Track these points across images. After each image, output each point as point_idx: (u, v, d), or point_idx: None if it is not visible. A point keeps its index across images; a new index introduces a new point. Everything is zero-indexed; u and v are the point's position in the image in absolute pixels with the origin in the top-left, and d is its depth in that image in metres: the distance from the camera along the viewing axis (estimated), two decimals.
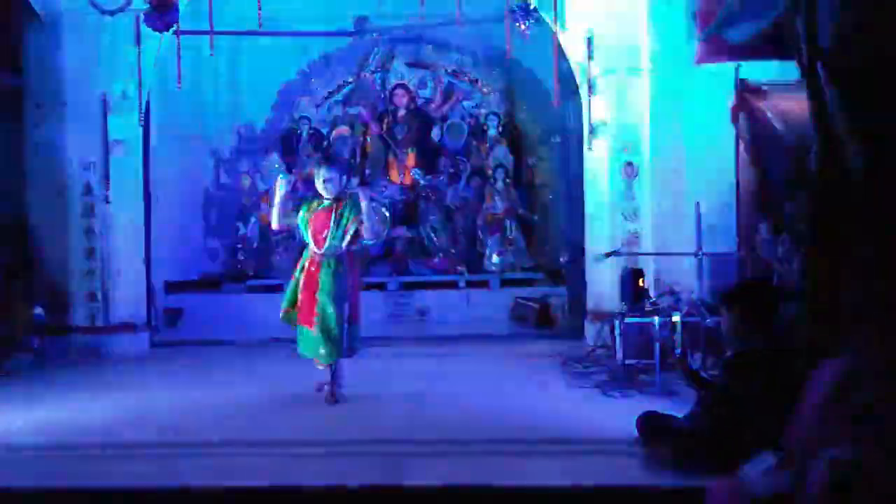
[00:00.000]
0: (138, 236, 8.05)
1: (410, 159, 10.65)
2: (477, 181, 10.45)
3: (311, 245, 5.49)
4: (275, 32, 9.29)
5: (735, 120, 6.94)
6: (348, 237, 5.45)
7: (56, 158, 7.73)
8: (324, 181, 5.46)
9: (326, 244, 5.41)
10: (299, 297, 5.48)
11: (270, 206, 5.69)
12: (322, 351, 5.39)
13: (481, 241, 10.21)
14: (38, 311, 7.32)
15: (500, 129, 10.66)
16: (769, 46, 6.22)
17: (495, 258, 9.93)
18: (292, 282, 5.58)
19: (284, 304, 5.58)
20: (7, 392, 6.04)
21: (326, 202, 5.48)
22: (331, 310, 5.34)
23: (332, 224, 5.40)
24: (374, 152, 10.75)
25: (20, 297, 7.24)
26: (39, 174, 7.77)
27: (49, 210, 7.73)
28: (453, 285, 9.63)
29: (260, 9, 7.17)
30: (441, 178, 10.52)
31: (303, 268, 5.51)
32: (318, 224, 5.44)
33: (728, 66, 6.92)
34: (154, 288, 8.55)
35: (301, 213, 5.52)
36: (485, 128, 10.69)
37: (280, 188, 5.53)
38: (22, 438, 4.65)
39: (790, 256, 5.42)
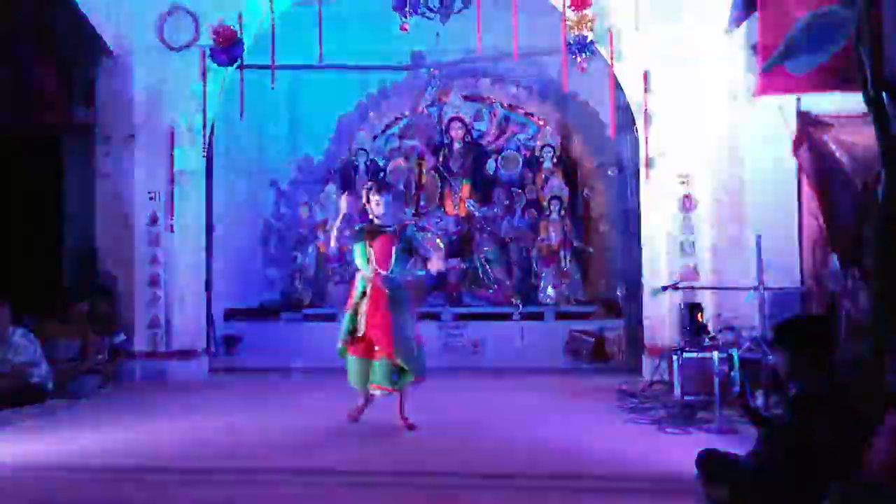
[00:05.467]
0: (200, 265, 8.26)
1: (465, 191, 10.71)
2: (532, 213, 10.44)
3: (372, 271, 5.47)
4: (334, 66, 9.50)
5: (796, 152, 6.82)
6: (409, 265, 5.49)
7: (123, 189, 8.00)
8: (379, 205, 5.50)
9: (389, 271, 5.44)
10: (364, 326, 5.45)
11: (331, 228, 5.81)
12: (400, 376, 5.40)
13: (536, 273, 10.16)
14: (122, 337, 7.58)
15: (556, 160, 10.64)
16: (832, 78, 6.11)
17: (550, 290, 9.86)
18: (349, 313, 5.55)
19: (343, 336, 5.53)
20: (72, 414, 6.22)
21: (388, 229, 5.52)
22: (407, 333, 5.39)
23: (395, 251, 5.44)
24: (430, 184, 10.84)
25: (87, 322, 7.47)
26: (107, 204, 8.05)
27: (115, 238, 8.00)
28: (507, 317, 9.59)
29: (321, 44, 7.36)
30: (496, 209, 10.54)
31: (364, 295, 5.49)
32: (381, 250, 5.46)
33: (789, 99, 6.82)
34: (214, 315, 8.73)
35: (357, 240, 5.55)
36: (540, 160, 10.69)
37: (342, 206, 5.68)
38: (85, 461, 4.76)
39: (857, 291, 5.27)
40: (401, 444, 5.20)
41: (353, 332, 5.50)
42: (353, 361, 5.53)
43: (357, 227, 5.74)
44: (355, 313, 5.51)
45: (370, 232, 5.53)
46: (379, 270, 5.47)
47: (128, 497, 4.08)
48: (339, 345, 5.58)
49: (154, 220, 7.97)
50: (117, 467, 4.60)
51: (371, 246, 5.49)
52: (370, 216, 5.60)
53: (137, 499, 4.06)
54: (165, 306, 7.92)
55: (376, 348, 5.39)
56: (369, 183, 5.89)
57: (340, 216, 5.71)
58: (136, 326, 7.88)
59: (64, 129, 8.24)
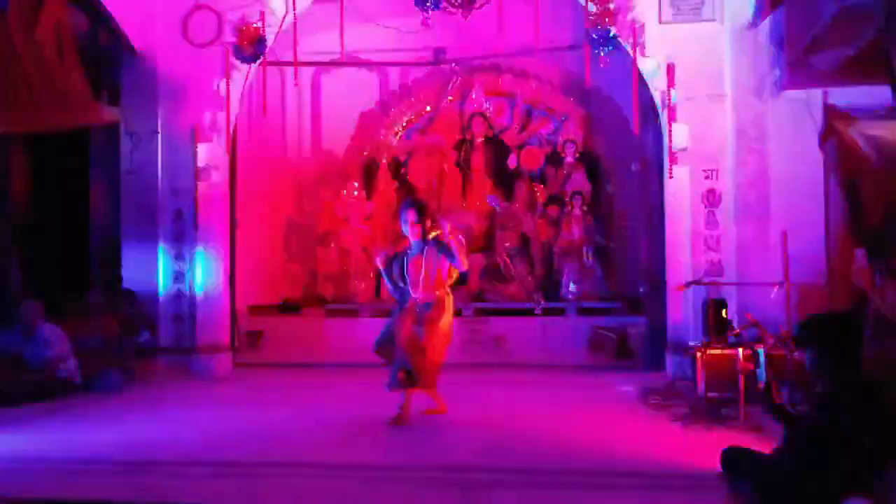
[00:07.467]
0: (223, 260, 8.31)
1: (487, 187, 10.70)
2: (554, 209, 10.41)
3: (413, 291, 5.54)
4: (356, 63, 9.53)
5: (823, 146, 6.73)
6: (445, 280, 5.51)
7: (148, 185, 8.07)
8: (410, 224, 5.53)
9: (423, 290, 5.49)
10: (398, 332, 5.47)
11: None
12: (401, 375, 5.43)
13: (558, 269, 10.14)
14: (145, 335, 7.69)
15: (578, 156, 10.60)
16: (858, 71, 6.04)
17: (572, 286, 9.84)
18: (391, 322, 5.60)
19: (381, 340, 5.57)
20: (99, 408, 6.29)
21: (414, 252, 5.57)
22: (421, 342, 5.41)
23: (423, 271, 5.48)
24: (451, 180, 10.85)
25: (113, 315, 7.57)
26: (132, 200, 8.13)
27: (140, 234, 8.07)
28: (529, 313, 9.57)
29: (342, 40, 7.38)
30: (517, 205, 10.52)
31: (402, 311, 5.54)
32: (412, 273, 5.53)
33: (815, 92, 6.74)
34: (237, 310, 8.80)
35: (396, 265, 5.61)
36: (562, 155, 10.66)
37: (381, 265, 5.65)
38: (111, 454, 4.82)
39: (885, 287, 5.19)
40: (424, 439, 5.21)
41: (389, 340, 5.53)
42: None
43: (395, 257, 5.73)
44: (394, 323, 5.54)
45: (400, 256, 5.61)
46: (416, 298, 5.50)
47: (153, 489, 4.12)
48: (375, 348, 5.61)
49: (179, 216, 8.04)
50: (143, 460, 4.65)
51: (407, 271, 5.55)
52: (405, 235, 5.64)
53: (163, 491, 4.10)
54: (190, 301, 7.99)
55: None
56: (403, 201, 5.94)
57: (384, 276, 5.69)
58: (161, 322, 7.96)
59: (90, 127, 8.33)
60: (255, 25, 7.50)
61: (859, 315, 5.48)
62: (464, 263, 5.49)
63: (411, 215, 5.54)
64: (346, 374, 7.93)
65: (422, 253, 5.53)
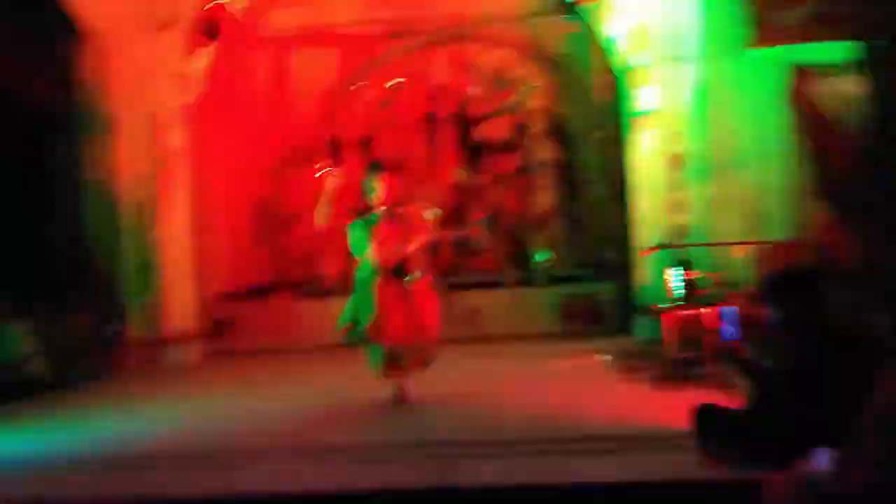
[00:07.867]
0: (190, 248, 8.18)
1: (454, 159, 10.64)
2: (522, 178, 10.39)
3: (378, 260, 5.27)
4: (319, 37, 9.38)
5: (789, 104, 6.75)
6: (415, 243, 5.27)
7: (110, 174, 7.89)
8: (378, 187, 5.31)
9: (395, 254, 5.24)
10: (383, 312, 5.22)
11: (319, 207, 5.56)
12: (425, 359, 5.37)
13: (527, 238, 10.13)
14: (113, 327, 7.56)
15: (545, 125, 10.56)
16: (824, 28, 6.06)
17: (541, 256, 9.84)
18: (355, 298, 5.34)
19: (345, 321, 5.35)
20: (71, 405, 6.18)
21: (383, 212, 5.31)
22: (423, 320, 5.28)
23: (395, 233, 5.25)
24: (419, 153, 10.78)
25: (80, 309, 7.45)
26: (94, 189, 7.96)
27: (104, 224, 7.92)
28: (500, 285, 9.57)
29: (305, 16, 7.25)
30: (485, 176, 10.48)
31: (375, 284, 5.25)
32: (382, 237, 5.26)
33: (780, 50, 6.73)
34: (206, 298, 8.69)
35: (358, 230, 5.33)
36: (529, 124, 10.61)
37: (328, 186, 5.45)
38: (81, 449, 4.74)
39: (850, 240, 5.24)
40: (400, 416, 5.20)
41: (363, 318, 5.28)
42: (374, 349, 5.34)
43: (357, 212, 5.48)
44: (369, 300, 5.26)
45: (369, 219, 5.33)
46: (380, 260, 5.25)
47: (128, 484, 4.07)
48: (344, 330, 5.38)
49: (142, 205, 7.89)
50: (116, 456, 4.58)
51: (372, 234, 5.27)
52: (368, 201, 5.37)
53: (138, 485, 4.05)
54: (158, 291, 7.87)
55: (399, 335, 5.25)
56: (370, 163, 5.65)
57: (326, 195, 5.48)
58: (129, 313, 7.82)
59: (47, 116, 8.13)
60: (214, 5, 7.33)
61: (824, 269, 5.54)
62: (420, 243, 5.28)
63: (377, 179, 5.33)
64: (319, 356, 7.88)
65: (389, 217, 5.29)
